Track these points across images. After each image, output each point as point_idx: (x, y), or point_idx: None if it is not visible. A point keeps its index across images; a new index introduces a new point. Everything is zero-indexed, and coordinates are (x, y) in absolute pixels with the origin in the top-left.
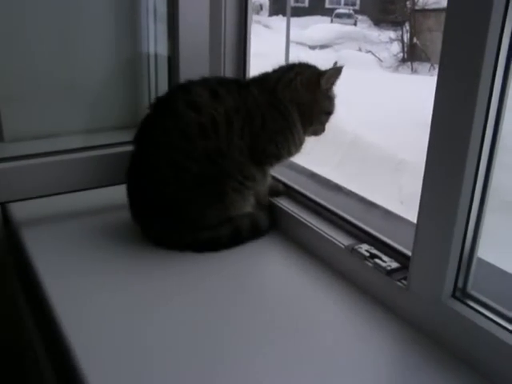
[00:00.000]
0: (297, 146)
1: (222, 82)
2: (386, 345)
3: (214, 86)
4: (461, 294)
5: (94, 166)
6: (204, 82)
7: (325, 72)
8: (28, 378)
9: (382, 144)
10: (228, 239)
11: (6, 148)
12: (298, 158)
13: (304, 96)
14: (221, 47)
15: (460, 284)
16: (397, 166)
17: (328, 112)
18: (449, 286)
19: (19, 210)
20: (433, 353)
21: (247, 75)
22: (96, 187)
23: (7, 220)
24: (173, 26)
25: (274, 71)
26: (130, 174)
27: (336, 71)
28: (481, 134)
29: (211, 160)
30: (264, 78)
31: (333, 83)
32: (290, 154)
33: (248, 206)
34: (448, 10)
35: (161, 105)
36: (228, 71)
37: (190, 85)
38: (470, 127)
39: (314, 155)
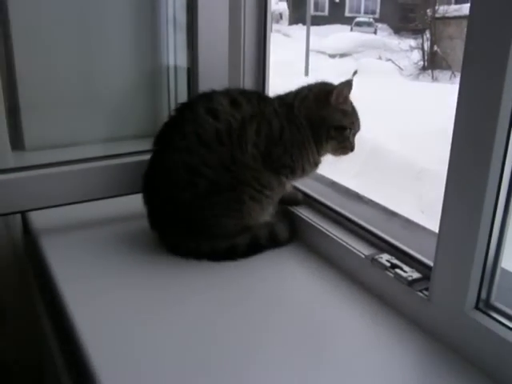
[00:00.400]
0: (311, 163)
1: (243, 92)
2: (408, 357)
3: (235, 95)
4: (484, 305)
5: (114, 174)
6: (226, 91)
7: (334, 87)
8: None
9: (402, 152)
10: (245, 248)
11: (26, 157)
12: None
13: (315, 113)
14: (240, 59)
15: (483, 295)
16: (417, 174)
17: (341, 126)
18: (472, 297)
19: (39, 219)
20: (455, 366)
21: (266, 87)
22: (116, 196)
23: (27, 228)
24: (192, 37)
25: (296, 90)
26: (148, 177)
27: (346, 85)
28: (505, 140)
29: (225, 167)
30: (286, 94)
31: (345, 97)
32: (304, 170)
33: (266, 215)
34: (470, 16)
35: (183, 110)
36: (247, 83)
37: (213, 93)
38: (494, 134)
39: (333, 163)
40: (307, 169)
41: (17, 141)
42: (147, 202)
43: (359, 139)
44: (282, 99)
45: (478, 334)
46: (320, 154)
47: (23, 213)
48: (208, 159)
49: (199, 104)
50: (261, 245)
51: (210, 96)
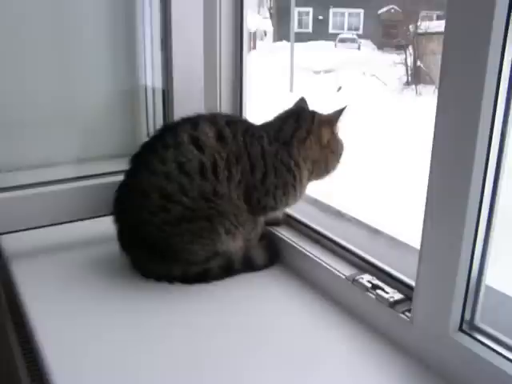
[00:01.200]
0: (296, 198)
1: (229, 122)
2: (391, 381)
3: (221, 126)
4: (468, 326)
5: (89, 195)
6: (212, 119)
7: (332, 121)
8: None
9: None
10: (218, 271)
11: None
12: None
13: (318, 152)
14: (216, 81)
15: (467, 316)
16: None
17: (341, 154)
18: (455, 319)
19: (10, 243)
20: None
21: (244, 110)
22: (91, 217)
23: None
24: (166, 58)
25: (283, 120)
26: (120, 196)
27: (339, 113)
28: (486, 151)
29: (207, 199)
30: (276, 127)
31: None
32: (287, 205)
33: (237, 245)
34: (446, 32)
35: (164, 133)
36: (224, 105)
37: (198, 119)
38: (474, 145)
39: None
40: (291, 203)
41: None
42: (117, 221)
43: None
44: (275, 134)
45: (462, 356)
46: (309, 182)
47: None
48: (187, 188)
49: (183, 130)
50: (234, 269)
51: (196, 122)
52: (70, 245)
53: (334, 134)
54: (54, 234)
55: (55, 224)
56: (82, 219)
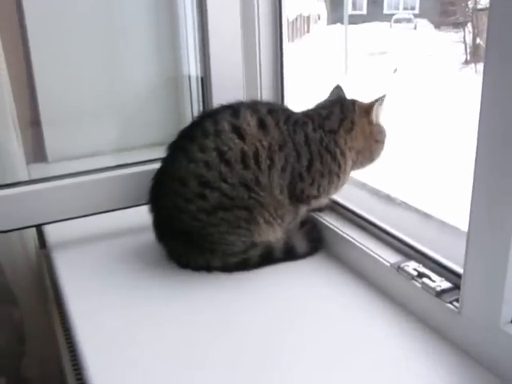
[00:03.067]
0: (338, 187)
1: (272, 110)
2: (437, 373)
3: (263, 114)
4: None
5: (131, 183)
6: (254, 107)
7: (372, 109)
8: None
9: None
10: (258, 259)
11: (49, 169)
12: None
13: (362, 142)
14: (256, 68)
15: None
16: None
17: (384, 141)
18: (507, 310)
19: (54, 233)
20: None
21: (285, 96)
22: (134, 206)
23: (43, 242)
24: (203, 45)
25: (328, 109)
26: (155, 185)
27: (381, 102)
28: None
29: (248, 187)
30: (323, 115)
31: (379, 112)
32: (329, 194)
33: (276, 235)
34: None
35: (205, 121)
36: (265, 93)
37: (240, 107)
38: None
39: None
40: (332, 192)
41: (39, 153)
42: (152, 210)
43: None
44: (321, 121)
45: None
46: (351, 170)
47: (38, 226)
48: (228, 176)
49: (224, 117)
50: (275, 258)
51: (237, 111)
52: (110, 234)
53: (375, 123)
54: (95, 224)
55: (97, 213)
56: (124, 208)
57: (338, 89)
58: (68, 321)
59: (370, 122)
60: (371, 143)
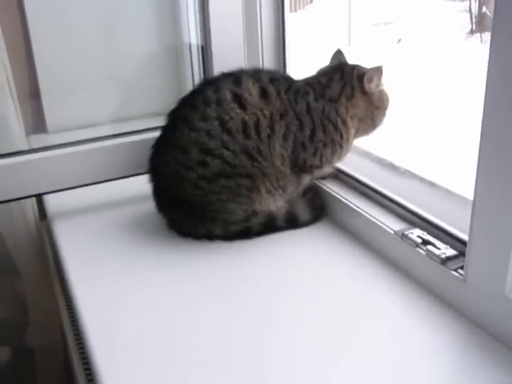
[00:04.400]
0: (341, 157)
1: (273, 79)
2: (442, 341)
3: (265, 83)
4: None
5: (131, 152)
6: (256, 75)
7: (373, 75)
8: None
9: None
10: (260, 227)
11: (49, 139)
12: None
13: (363, 109)
14: (258, 38)
15: None
16: None
17: (387, 106)
18: None
19: (54, 203)
20: (494, 352)
21: (287, 65)
22: (134, 175)
23: (43, 213)
24: (203, 14)
25: (329, 76)
26: (155, 153)
27: (376, 71)
28: None
29: (250, 156)
30: (324, 83)
31: (378, 80)
32: (332, 164)
33: (277, 204)
34: None
35: (207, 89)
36: (267, 62)
37: (241, 75)
38: None
39: None
40: (335, 162)
41: (39, 124)
42: (152, 178)
43: None
44: (322, 90)
45: None
46: (355, 138)
47: (38, 196)
48: (230, 144)
49: (226, 86)
50: (277, 226)
51: (239, 79)
52: (109, 204)
53: (377, 89)
54: (94, 194)
55: (97, 182)
56: (124, 177)
57: (338, 53)
58: (69, 290)
59: (364, 89)
60: (372, 110)
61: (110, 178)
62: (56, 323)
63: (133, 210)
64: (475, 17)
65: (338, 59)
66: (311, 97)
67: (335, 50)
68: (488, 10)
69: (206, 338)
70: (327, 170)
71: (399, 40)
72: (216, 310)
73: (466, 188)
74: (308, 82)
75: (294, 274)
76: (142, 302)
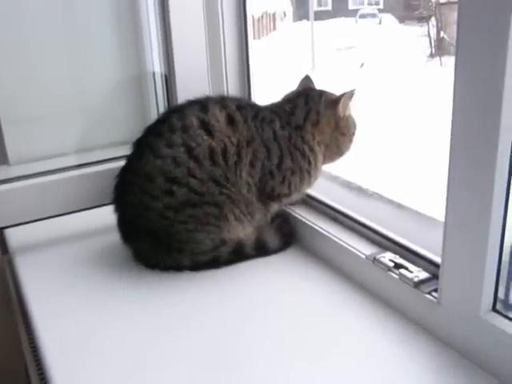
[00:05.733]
0: (310, 184)
1: (240, 106)
2: (418, 365)
3: (232, 110)
4: (503, 306)
5: (95, 183)
6: (222, 102)
7: (339, 101)
8: None
9: None
10: (229, 256)
11: (11, 171)
12: None
13: (329, 135)
14: (222, 66)
15: (501, 294)
16: None
17: (354, 133)
18: (488, 298)
19: (15, 236)
20: (471, 375)
21: (252, 92)
22: (98, 206)
23: (4, 247)
24: (166, 42)
25: (293, 102)
26: (120, 183)
27: (349, 96)
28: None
29: (218, 183)
30: (288, 110)
31: (347, 106)
32: (300, 191)
33: (246, 232)
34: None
35: (172, 116)
36: (231, 89)
37: (208, 102)
38: (499, 109)
39: None
40: (304, 189)
41: (1, 155)
42: (117, 209)
43: None
44: (287, 118)
45: (495, 339)
46: (322, 165)
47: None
48: (196, 172)
49: (191, 113)
50: (246, 254)
51: (205, 105)
52: (73, 236)
53: (343, 115)
54: (57, 226)
55: (60, 215)
56: (88, 208)
57: (306, 79)
58: (32, 328)
59: (337, 115)
60: (338, 136)
61: (74, 210)
62: (20, 363)
63: (97, 242)
64: (434, 41)
65: (305, 84)
66: (277, 125)
67: (303, 75)
68: (446, 35)
69: (175, 370)
70: (296, 197)
71: (362, 64)
72: (184, 342)
73: (435, 209)
74: (273, 109)
75: (265, 302)
76: (109, 338)
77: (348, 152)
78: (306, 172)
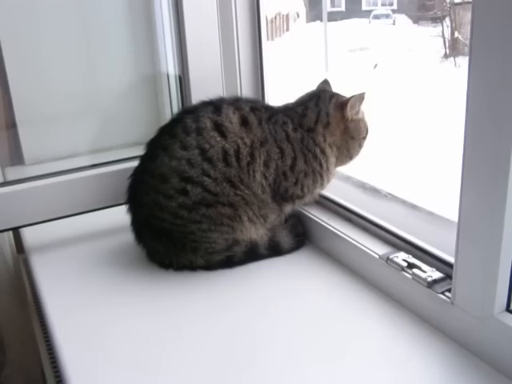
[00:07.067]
0: (323, 186)
1: (254, 108)
2: (431, 365)
3: (245, 112)
4: None
5: (109, 182)
6: (236, 103)
7: (348, 105)
8: None
9: None
10: (242, 256)
11: (26, 171)
12: None
13: (339, 137)
14: (235, 67)
15: None
16: None
17: (364, 137)
18: (501, 298)
19: (31, 236)
20: (484, 375)
21: (265, 94)
22: (113, 206)
23: (20, 247)
24: (180, 43)
25: (305, 104)
26: (133, 183)
27: (358, 98)
28: None
29: (234, 185)
30: (300, 112)
31: (358, 108)
32: (314, 194)
33: (259, 233)
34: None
35: (186, 118)
36: (245, 90)
37: (222, 104)
38: None
39: None
40: (317, 192)
41: (16, 156)
42: (131, 209)
43: None
44: (299, 120)
45: (509, 339)
46: (335, 168)
47: (15, 230)
48: (211, 172)
49: (205, 115)
50: (260, 254)
51: (219, 107)
52: (87, 236)
53: (351, 119)
54: (72, 226)
55: (75, 214)
56: (103, 208)
57: (324, 83)
58: (48, 326)
59: (346, 118)
60: (347, 139)
61: (88, 210)
62: (34, 361)
63: (111, 242)
64: (448, 42)
65: (322, 88)
66: (290, 127)
67: (322, 79)
68: (460, 35)
69: (188, 369)
70: (309, 199)
71: (375, 65)
72: (198, 342)
73: (449, 210)
74: (286, 111)
75: (278, 302)
76: (124, 336)
77: (357, 156)
78: (319, 174)
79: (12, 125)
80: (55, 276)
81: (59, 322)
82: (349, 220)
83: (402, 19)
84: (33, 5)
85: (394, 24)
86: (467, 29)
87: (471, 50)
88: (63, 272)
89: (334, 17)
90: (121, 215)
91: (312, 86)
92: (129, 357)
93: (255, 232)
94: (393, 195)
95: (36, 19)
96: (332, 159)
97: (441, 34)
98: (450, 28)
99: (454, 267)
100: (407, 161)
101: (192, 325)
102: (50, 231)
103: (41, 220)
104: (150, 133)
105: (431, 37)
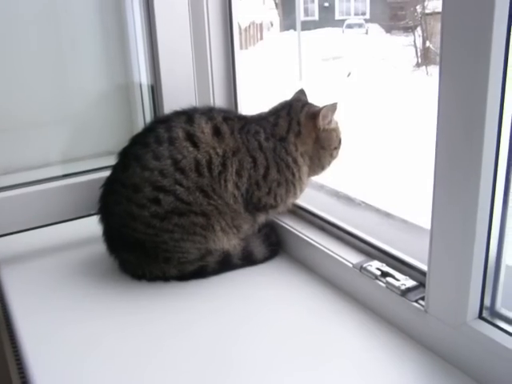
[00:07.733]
0: (296, 196)
1: (227, 118)
2: (406, 374)
3: (218, 122)
4: (489, 313)
5: (80, 193)
6: (209, 113)
7: (318, 114)
8: None
9: None
10: (216, 266)
11: None
12: None
13: (311, 147)
14: (208, 76)
15: (487, 301)
16: None
17: (336, 147)
18: (474, 305)
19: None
20: (459, 382)
21: (238, 103)
22: (83, 216)
23: None
24: (152, 53)
25: (277, 114)
26: (105, 193)
27: (330, 108)
28: (497, 126)
29: (207, 194)
30: (272, 121)
31: (331, 118)
32: (287, 203)
33: (232, 243)
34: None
35: (159, 127)
36: (218, 100)
37: (194, 114)
38: (483, 119)
39: None
40: (290, 201)
41: None
42: (102, 219)
43: None
44: (271, 129)
45: (482, 346)
46: (308, 177)
47: None
48: (184, 182)
49: (178, 125)
50: (233, 264)
51: (191, 117)
52: (58, 247)
53: (324, 129)
54: (42, 237)
55: (46, 225)
56: (73, 219)
57: (300, 93)
58: (17, 341)
59: (317, 128)
60: (318, 149)
61: (60, 220)
62: (5, 379)
63: (83, 253)
64: (420, 51)
65: (298, 97)
66: (262, 136)
67: (297, 89)
68: (432, 45)
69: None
70: (282, 209)
71: (349, 74)
72: (175, 355)
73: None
74: (259, 121)
75: (252, 312)
76: (97, 351)
77: (329, 166)
78: (291, 183)
79: None
80: (25, 289)
81: (29, 340)
82: (322, 229)
83: (375, 29)
84: (4, 13)
85: (366, 33)
86: (438, 38)
87: (441, 58)
88: (33, 285)
89: (307, 26)
90: (93, 226)
91: (286, 95)
92: (102, 370)
93: (228, 242)
94: (366, 203)
95: (7, 27)
96: (304, 168)
97: (413, 43)
98: (421, 38)
99: (427, 275)
100: (381, 168)
101: (167, 338)
102: (21, 242)
103: (12, 231)
104: (122, 142)
105: (403, 46)
